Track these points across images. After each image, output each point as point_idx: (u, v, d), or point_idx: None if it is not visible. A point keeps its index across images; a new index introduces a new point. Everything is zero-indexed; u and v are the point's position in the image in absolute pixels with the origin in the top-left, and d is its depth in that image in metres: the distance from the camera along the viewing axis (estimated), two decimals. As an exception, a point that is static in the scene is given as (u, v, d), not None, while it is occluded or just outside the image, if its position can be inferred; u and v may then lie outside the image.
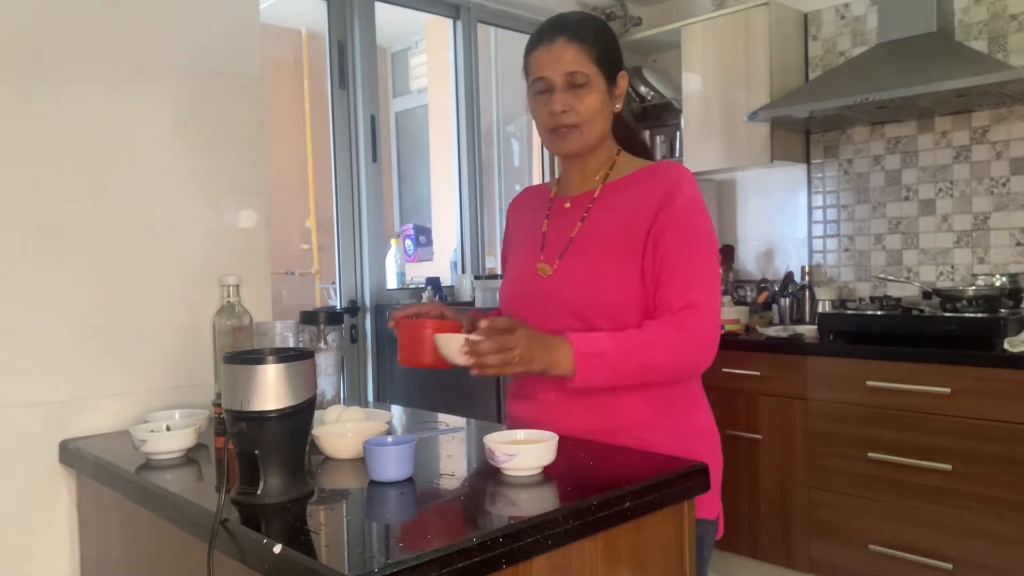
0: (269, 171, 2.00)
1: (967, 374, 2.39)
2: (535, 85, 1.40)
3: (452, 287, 3.40)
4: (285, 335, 1.71)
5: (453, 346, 1.25)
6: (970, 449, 2.39)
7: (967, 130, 2.98)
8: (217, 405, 1.43)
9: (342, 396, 1.77)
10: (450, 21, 3.52)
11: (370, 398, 3.13)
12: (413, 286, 3.36)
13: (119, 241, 1.70)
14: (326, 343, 1.68)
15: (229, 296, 1.75)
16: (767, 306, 3.35)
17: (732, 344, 2.90)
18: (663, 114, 3.82)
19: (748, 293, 3.46)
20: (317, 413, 1.36)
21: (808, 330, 2.88)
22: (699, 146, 3.40)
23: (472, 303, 3.16)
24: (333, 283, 3.33)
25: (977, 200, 2.97)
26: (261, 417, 1.07)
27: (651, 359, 1.30)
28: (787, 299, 3.21)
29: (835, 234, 3.35)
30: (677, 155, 3.54)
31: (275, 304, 2.00)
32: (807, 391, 2.74)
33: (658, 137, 3.69)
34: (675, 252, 1.33)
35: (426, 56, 4.61)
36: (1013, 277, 2.75)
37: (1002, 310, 2.58)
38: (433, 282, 3.27)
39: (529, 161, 4.28)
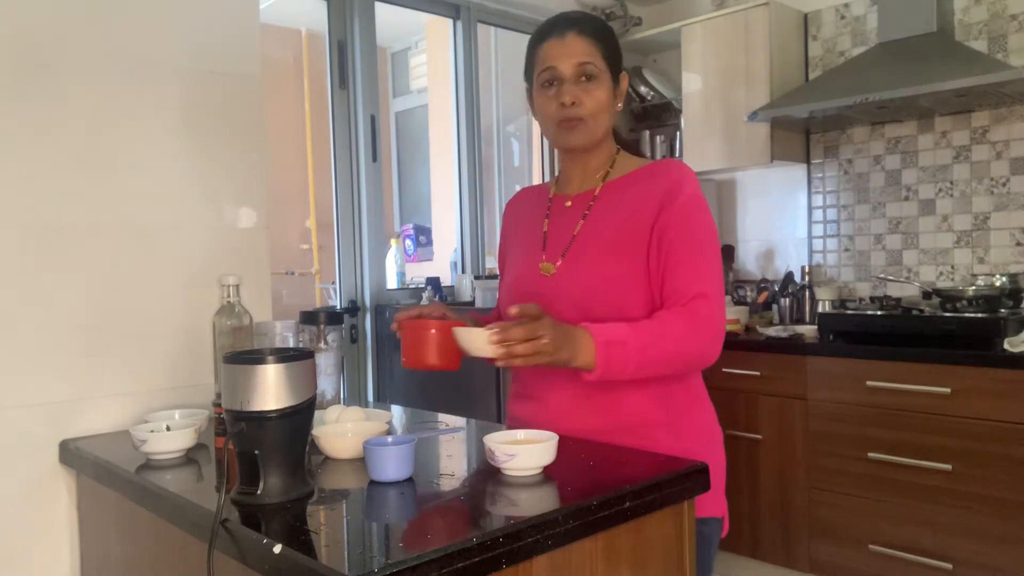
0: (269, 171, 2.00)
1: (967, 374, 2.39)
2: (542, 76, 1.40)
3: (452, 287, 3.40)
4: (285, 335, 1.71)
5: (477, 338, 1.21)
6: (970, 449, 2.39)
7: (967, 130, 2.98)
8: (217, 405, 1.43)
9: (342, 396, 1.77)
10: (450, 21, 3.52)
11: (370, 398, 3.13)
12: (413, 286, 3.36)
13: (119, 241, 1.70)
14: (326, 343, 1.68)
15: (229, 296, 1.75)
16: (767, 306, 3.35)
17: (732, 344, 2.89)
18: (663, 114, 3.82)
19: (748, 293, 3.46)
20: (317, 413, 1.36)
21: (808, 330, 2.88)
22: (699, 146, 3.39)
23: (472, 303, 3.16)
24: (333, 283, 3.33)
25: (977, 200, 2.97)
26: (261, 417, 1.07)
27: (668, 349, 1.29)
28: (787, 299, 3.21)
29: (835, 234, 3.35)
30: (677, 155, 3.54)
31: (275, 304, 2.00)
32: (807, 391, 2.74)
33: (658, 137, 3.69)
34: (681, 246, 1.33)
35: (426, 56, 4.61)
36: (1013, 277, 2.75)
37: (1002, 310, 2.58)
38: (433, 282, 3.27)
39: (529, 161, 4.28)
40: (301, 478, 1.12)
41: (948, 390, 2.42)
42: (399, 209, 5.19)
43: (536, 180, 4.07)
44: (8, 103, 1.57)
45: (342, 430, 1.35)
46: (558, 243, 1.44)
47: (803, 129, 3.34)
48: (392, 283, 3.28)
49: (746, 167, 3.39)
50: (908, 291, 3.03)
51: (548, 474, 1.17)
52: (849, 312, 2.83)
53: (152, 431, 1.43)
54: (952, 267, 3.04)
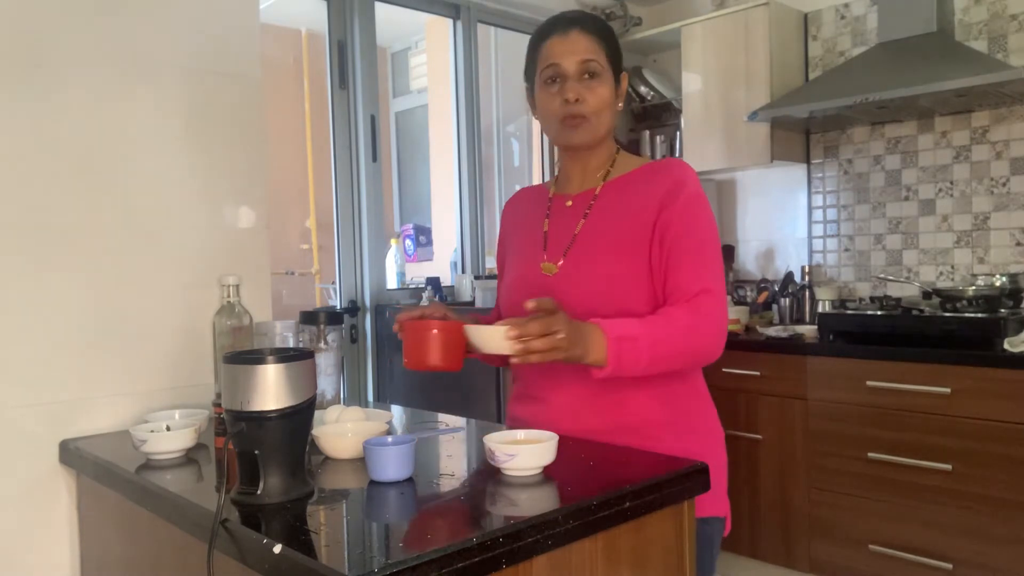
0: (269, 171, 2.00)
1: (967, 374, 2.39)
2: (545, 73, 1.40)
3: (452, 287, 3.40)
4: (285, 335, 1.71)
5: (493, 335, 1.19)
6: (970, 449, 2.39)
7: (967, 130, 2.98)
8: (217, 405, 1.43)
9: (342, 396, 1.77)
10: (450, 21, 3.52)
11: (370, 398, 3.13)
12: (413, 286, 3.36)
13: (119, 241, 1.70)
14: (326, 343, 1.68)
15: (229, 296, 1.75)
16: (767, 306, 3.35)
17: (732, 344, 2.88)
18: (663, 114, 3.82)
19: (748, 293, 3.46)
20: (317, 413, 1.36)
21: (808, 330, 2.88)
22: (699, 146, 3.39)
23: (472, 303, 3.16)
24: (333, 283, 3.33)
25: (977, 200, 2.97)
26: (261, 417, 1.07)
27: (678, 344, 1.28)
28: (787, 299, 3.21)
29: (835, 234, 3.35)
30: (677, 155, 3.54)
31: (275, 304, 2.00)
32: (807, 391, 2.74)
33: (658, 137, 3.69)
34: (683, 243, 1.33)
35: (426, 56, 4.61)
36: (1013, 277, 2.75)
37: (1002, 310, 2.58)
38: (433, 282, 3.27)
39: (529, 161, 4.27)
40: (301, 478, 1.12)
41: (948, 390, 2.42)
42: (399, 209, 5.19)
43: (536, 180, 4.07)
44: (8, 103, 1.56)
45: (342, 430, 1.35)
46: (559, 243, 1.44)
47: (803, 129, 3.34)
48: (392, 283, 3.28)
49: (746, 167, 3.39)
50: (908, 291, 3.03)
51: (548, 474, 1.17)
52: (849, 312, 2.83)
53: (152, 431, 1.43)
54: (952, 267, 3.04)
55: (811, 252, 3.42)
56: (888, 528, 2.56)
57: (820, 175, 3.39)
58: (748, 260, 3.64)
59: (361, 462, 1.24)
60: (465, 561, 0.89)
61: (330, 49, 3.06)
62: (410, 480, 1.16)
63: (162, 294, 1.76)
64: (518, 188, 3.88)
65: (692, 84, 3.42)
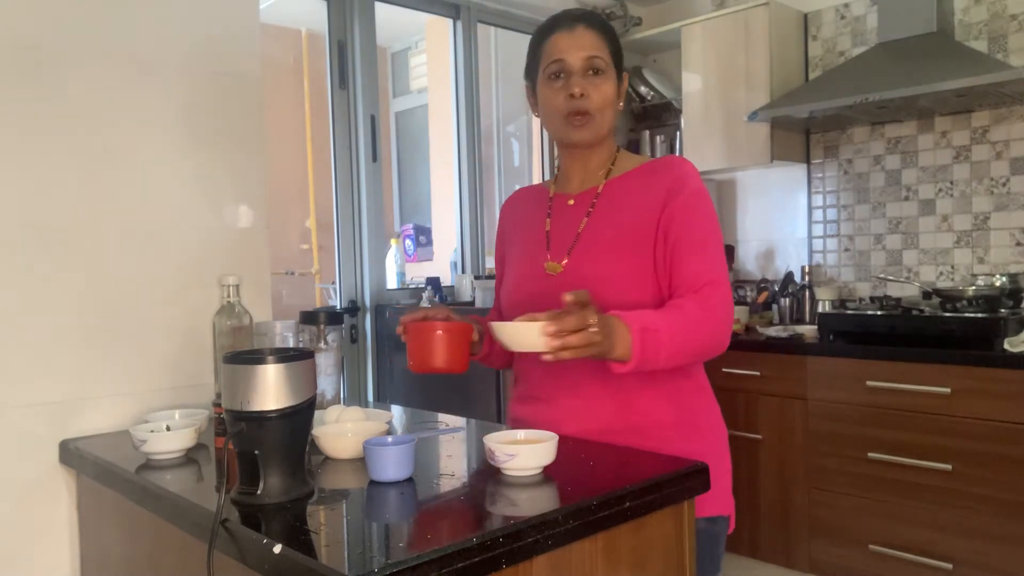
0: (269, 171, 2.00)
1: (967, 374, 2.39)
2: (550, 68, 1.39)
3: (452, 287, 3.40)
4: (285, 335, 1.71)
5: (528, 332, 1.14)
6: (970, 449, 2.39)
7: (967, 130, 2.98)
8: (217, 405, 1.43)
9: (342, 396, 1.77)
10: (450, 21, 3.52)
11: (370, 398, 3.13)
12: (413, 286, 3.36)
13: (119, 241, 1.70)
14: (326, 343, 1.68)
15: (229, 296, 1.75)
16: (767, 306, 3.35)
17: (732, 344, 2.83)
18: (663, 114, 3.82)
19: (748, 293, 3.47)
20: (317, 413, 1.36)
21: (808, 330, 2.88)
22: (699, 146, 3.39)
23: (472, 303, 3.16)
24: (333, 283, 3.33)
25: (977, 200, 2.97)
26: (261, 417, 1.07)
27: (692, 335, 1.27)
28: (787, 299, 3.21)
29: (835, 234, 3.35)
30: (677, 155, 3.54)
31: (275, 304, 2.00)
32: (807, 391, 2.74)
33: (658, 137, 3.69)
34: (687, 237, 1.33)
35: (426, 56, 4.61)
36: (1013, 277, 2.75)
37: (1002, 310, 2.58)
38: (433, 282, 3.27)
39: (529, 161, 4.27)
40: (301, 478, 1.12)
41: (948, 390, 2.42)
42: (399, 209, 5.19)
43: (536, 180, 4.07)
44: (8, 103, 1.56)
45: (342, 430, 1.35)
46: (562, 241, 1.44)
47: (803, 129, 3.35)
48: (392, 283, 3.28)
49: (746, 167, 3.39)
50: (908, 291, 3.03)
51: (548, 474, 1.16)
52: (849, 312, 2.83)
53: (152, 431, 1.43)
54: (952, 267, 3.04)
55: (811, 252, 3.42)
56: (888, 528, 2.56)
57: (820, 175, 3.39)
58: (748, 260, 3.64)
59: (361, 462, 1.24)
60: (465, 561, 0.89)
61: (330, 49, 3.06)
62: (410, 480, 1.16)
63: (162, 294, 1.76)
64: (518, 188, 3.88)
65: (692, 84, 3.42)
